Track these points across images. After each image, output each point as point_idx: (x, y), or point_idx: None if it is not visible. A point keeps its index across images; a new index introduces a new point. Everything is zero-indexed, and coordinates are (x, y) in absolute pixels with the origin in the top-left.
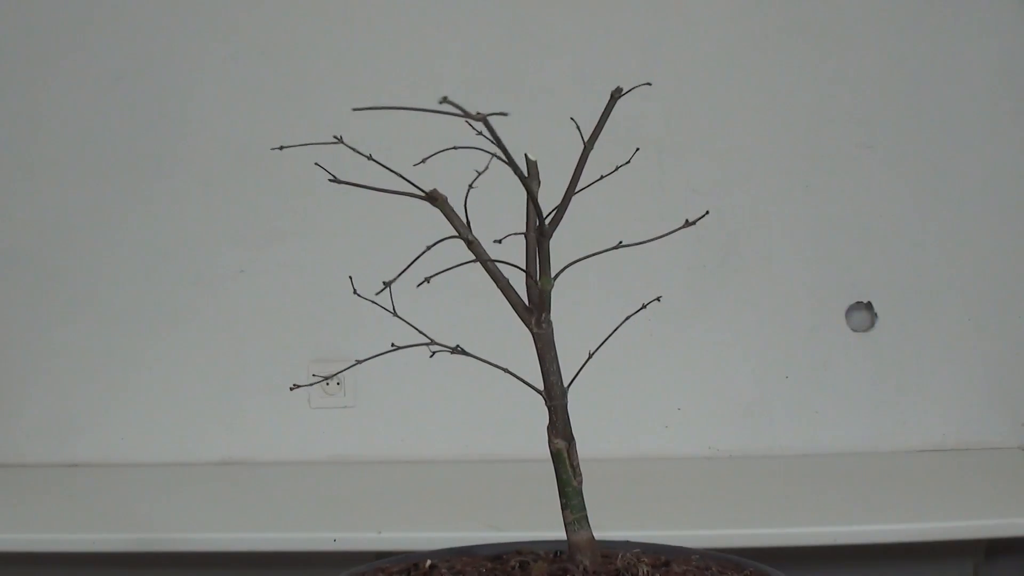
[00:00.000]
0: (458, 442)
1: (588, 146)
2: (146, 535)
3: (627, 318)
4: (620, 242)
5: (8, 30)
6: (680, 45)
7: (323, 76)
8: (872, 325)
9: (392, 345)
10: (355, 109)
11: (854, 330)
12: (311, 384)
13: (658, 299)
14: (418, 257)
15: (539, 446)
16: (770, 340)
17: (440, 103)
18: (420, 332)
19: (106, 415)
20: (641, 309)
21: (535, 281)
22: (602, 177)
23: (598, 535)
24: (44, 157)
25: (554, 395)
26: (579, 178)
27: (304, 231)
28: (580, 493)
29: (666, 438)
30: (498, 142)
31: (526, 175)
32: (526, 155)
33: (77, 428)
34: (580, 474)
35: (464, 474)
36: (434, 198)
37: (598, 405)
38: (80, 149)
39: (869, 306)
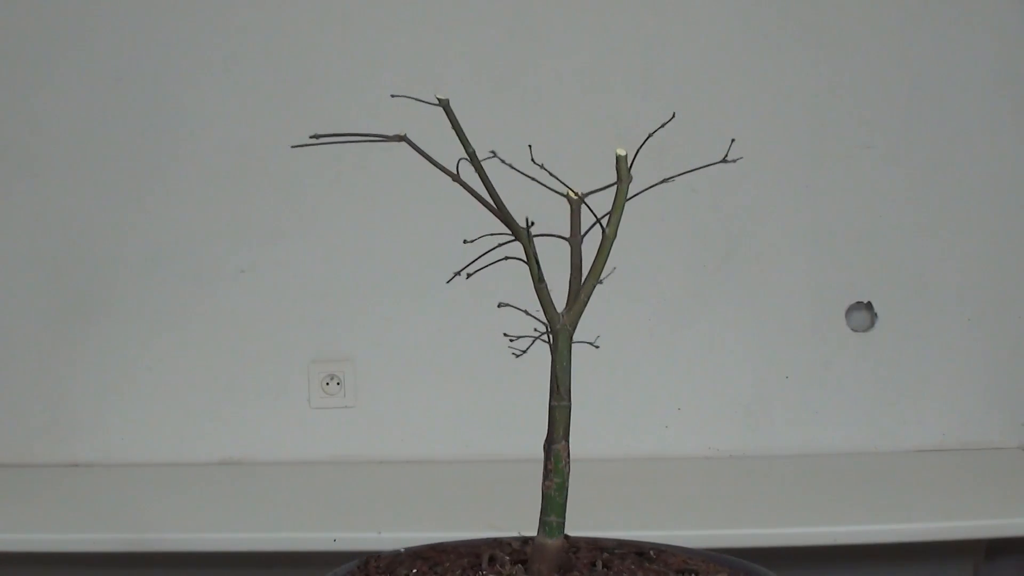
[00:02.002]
0: (458, 442)
1: (470, 154)
2: (146, 535)
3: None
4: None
5: (8, 30)
6: (680, 45)
7: (323, 76)
8: (872, 325)
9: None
10: (294, 147)
11: (854, 330)
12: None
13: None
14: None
15: (540, 446)
16: (770, 340)
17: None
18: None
19: (106, 415)
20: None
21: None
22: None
23: (599, 534)
24: (44, 158)
25: (551, 396)
26: (490, 183)
27: (304, 231)
28: (548, 497)
29: (666, 438)
30: (422, 153)
31: (617, 175)
32: (616, 151)
33: (77, 428)
34: (551, 478)
35: (464, 474)
36: (571, 198)
37: (598, 405)
38: (80, 149)
39: (869, 306)
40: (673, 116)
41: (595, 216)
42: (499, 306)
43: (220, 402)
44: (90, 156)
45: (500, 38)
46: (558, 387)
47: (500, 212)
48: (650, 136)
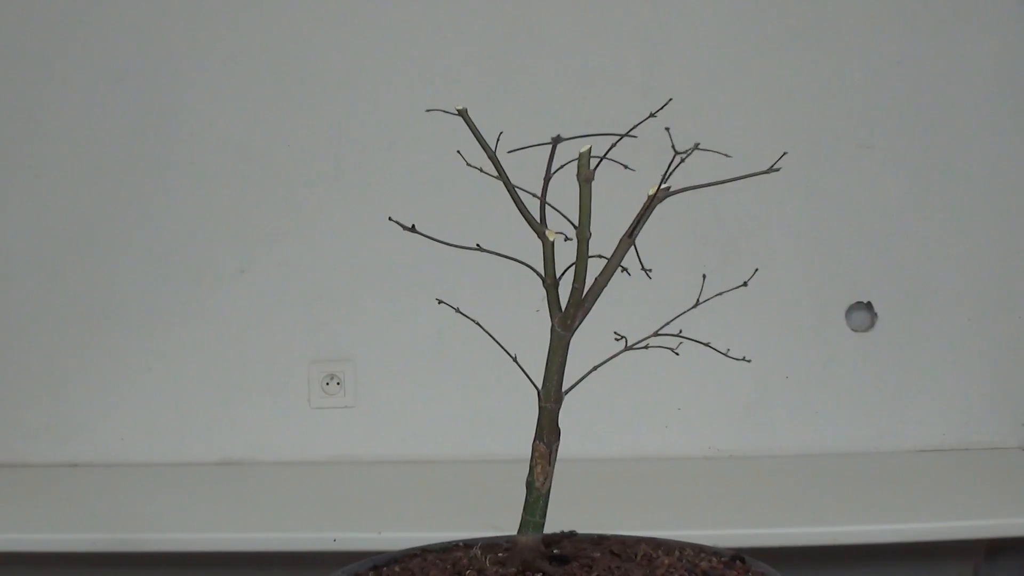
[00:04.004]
0: (458, 442)
1: (490, 157)
2: (146, 535)
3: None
4: (477, 245)
5: (8, 30)
6: (680, 45)
7: (323, 76)
8: (872, 325)
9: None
10: (510, 151)
11: (854, 330)
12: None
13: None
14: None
15: None
16: (770, 340)
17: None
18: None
19: (106, 415)
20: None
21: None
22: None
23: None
24: (44, 157)
25: (543, 397)
26: (512, 185)
27: (304, 231)
28: (528, 495)
29: (666, 438)
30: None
31: (577, 172)
32: (580, 149)
33: (77, 428)
34: (530, 477)
35: (464, 474)
36: (650, 194)
37: (599, 405)
38: (80, 149)
39: (869, 306)
40: (670, 100)
41: (571, 223)
42: (438, 302)
43: (220, 402)
44: (90, 155)
45: (500, 38)
46: (539, 388)
47: (524, 214)
48: (648, 117)
